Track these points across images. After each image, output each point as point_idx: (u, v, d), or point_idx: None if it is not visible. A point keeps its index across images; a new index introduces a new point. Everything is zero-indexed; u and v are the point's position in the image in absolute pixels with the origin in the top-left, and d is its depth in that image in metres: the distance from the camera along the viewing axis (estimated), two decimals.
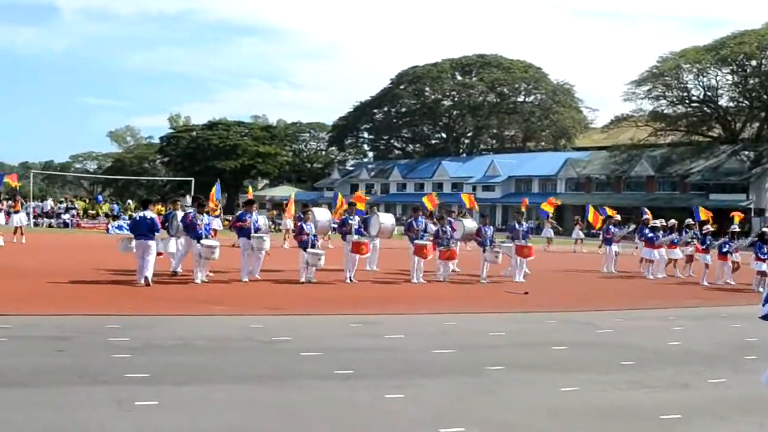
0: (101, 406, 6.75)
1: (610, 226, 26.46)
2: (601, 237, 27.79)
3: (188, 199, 52.17)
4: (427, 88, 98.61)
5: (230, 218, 28.02)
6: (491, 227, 21.31)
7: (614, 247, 26.01)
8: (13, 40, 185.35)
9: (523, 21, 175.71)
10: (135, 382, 7.71)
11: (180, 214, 18.97)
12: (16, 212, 29.27)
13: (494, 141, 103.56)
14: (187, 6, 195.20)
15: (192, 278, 17.13)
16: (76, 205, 53.40)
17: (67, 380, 7.66)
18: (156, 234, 16.79)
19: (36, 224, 46.42)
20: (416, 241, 19.78)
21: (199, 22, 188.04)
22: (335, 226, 23.83)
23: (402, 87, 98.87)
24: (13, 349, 9.06)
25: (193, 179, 59.27)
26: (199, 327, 11.48)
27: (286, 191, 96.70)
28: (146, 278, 16.12)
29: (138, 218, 17.11)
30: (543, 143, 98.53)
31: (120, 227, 41.22)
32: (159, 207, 26.50)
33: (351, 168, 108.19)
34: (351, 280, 18.74)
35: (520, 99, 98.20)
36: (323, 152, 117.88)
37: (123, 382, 7.67)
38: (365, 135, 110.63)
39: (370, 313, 13.74)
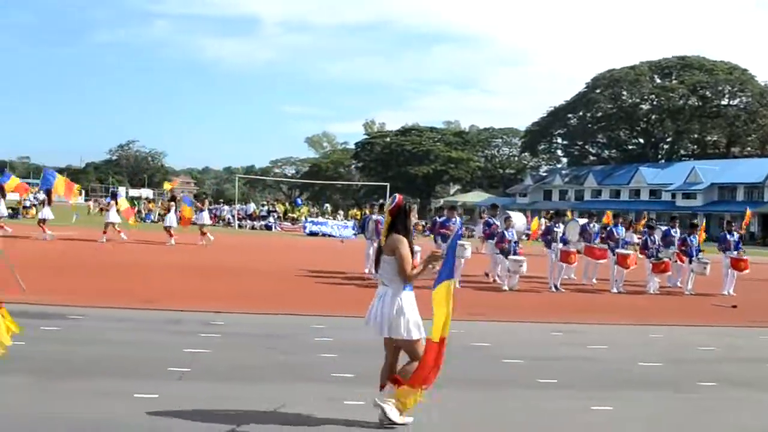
0: (313, 403, 6.95)
1: None
2: None
3: None
4: (624, 92, 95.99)
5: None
6: (697, 236, 20.28)
7: None
8: (220, 52, 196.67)
9: (727, 21, 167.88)
10: (342, 381, 7.91)
11: (375, 217, 19.54)
12: (202, 211, 30.10)
13: (695, 146, 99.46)
14: (382, 16, 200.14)
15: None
16: (277, 209, 55.35)
17: (279, 377, 7.96)
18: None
19: (240, 226, 48.77)
20: (618, 251, 19.13)
21: (393, 31, 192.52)
22: (529, 233, 23.60)
23: (598, 91, 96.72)
24: (227, 345, 9.50)
25: (387, 184, 60.41)
26: None
27: (478, 197, 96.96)
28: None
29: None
30: (749, 148, 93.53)
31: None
32: (355, 211, 26.93)
33: (544, 174, 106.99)
34: (556, 288, 18.42)
35: (724, 102, 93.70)
36: (516, 158, 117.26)
37: (331, 381, 7.90)
38: (559, 140, 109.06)
39: (572, 321, 13.46)
